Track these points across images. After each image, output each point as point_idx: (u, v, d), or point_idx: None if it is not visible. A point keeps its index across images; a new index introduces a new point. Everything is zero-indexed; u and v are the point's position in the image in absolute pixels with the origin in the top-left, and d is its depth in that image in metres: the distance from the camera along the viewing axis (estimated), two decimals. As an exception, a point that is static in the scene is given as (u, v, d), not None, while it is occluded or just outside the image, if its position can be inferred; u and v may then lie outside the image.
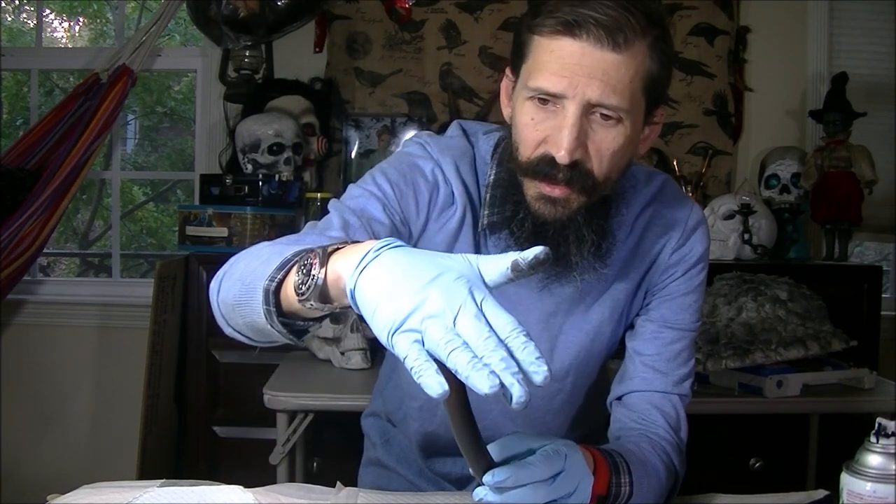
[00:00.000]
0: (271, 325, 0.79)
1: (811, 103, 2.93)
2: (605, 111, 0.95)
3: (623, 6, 0.93)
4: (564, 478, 0.88)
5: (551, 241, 1.01)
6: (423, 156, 1.11)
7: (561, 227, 1.01)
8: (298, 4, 2.74)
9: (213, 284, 0.92)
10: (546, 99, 0.96)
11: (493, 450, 0.86)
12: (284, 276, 0.78)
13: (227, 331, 0.93)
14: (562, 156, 0.95)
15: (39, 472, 2.96)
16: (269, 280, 0.78)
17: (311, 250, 0.76)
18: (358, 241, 0.76)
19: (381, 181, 1.07)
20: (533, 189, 1.00)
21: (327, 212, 1.07)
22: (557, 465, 0.87)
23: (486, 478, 0.83)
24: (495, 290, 0.70)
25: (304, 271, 0.75)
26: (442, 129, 2.84)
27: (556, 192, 0.98)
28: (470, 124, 1.18)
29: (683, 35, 2.91)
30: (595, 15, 0.92)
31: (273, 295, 0.78)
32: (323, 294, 0.74)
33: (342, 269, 0.73)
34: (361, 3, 2.90)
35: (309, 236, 0.98)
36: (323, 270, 0.74)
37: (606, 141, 0.97)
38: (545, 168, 0.97)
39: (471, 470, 0.84)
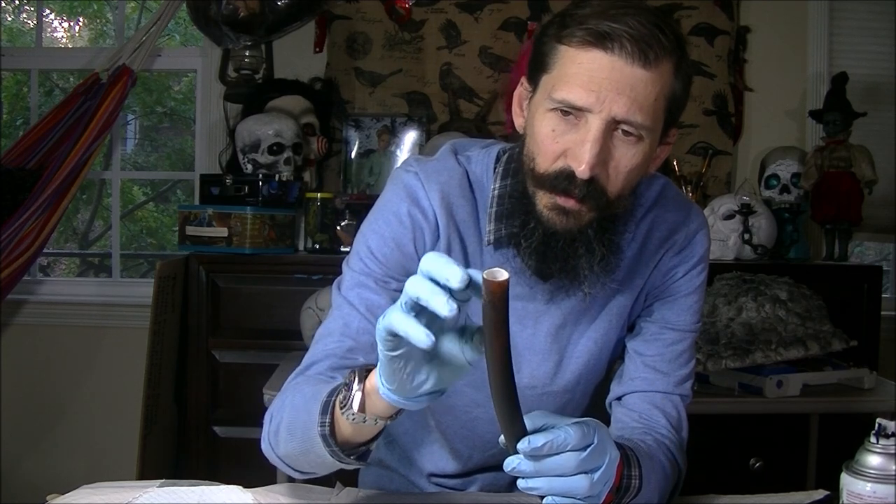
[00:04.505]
0: (341, 461, 0.92)
1: (811, 103, 2.93)
2: (627, 128, 0.95)
3: (653, 23, 0.93)
4: (594, 450, 0.88)
5: (561, 253, 1.01)
6: (399, 197, 1.10)
7: (571, 239, 1.00)
8: (298, 4, 2.73)
9: (265, 445, 1.04)
10: (568, 111, 0.95)
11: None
12: (332, 419, 0.90)
13: (295, 475, 1.04)
14: (582, 170, 0.94)
15: (39, 472, 2.96)
16: (321, 426, 0.90)
17: (352, 371, 0.89)
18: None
19: (367, 257, 1.10)
20: (547, 199, 0.99)
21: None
22: (590, 437, 0.88)
23: (522, 444, 0.84)
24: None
25: (347, 388, 0.88)
26: (442, 129, 2.85)
27: (570, 203, 0.97)
28: (462, 143, 1.17)
29: (683, 35, 2.90)
30: (627, 29, 0.92)
31: (331, 437, 0.90)
32: (361, 403, 0.86)
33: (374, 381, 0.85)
34: (361, 3, 2.90)
35: (317, 349, 1.09)
36: (362, 385, 0.87)
37: (625, 158, 0.96)
38: (563, 183, 0.96)
39: (503, 440, 0.86)
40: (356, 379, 0.87)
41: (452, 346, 0.78)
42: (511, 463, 0.86)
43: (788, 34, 3.00)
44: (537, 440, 0.84)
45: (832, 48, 3.01)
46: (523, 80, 1.05)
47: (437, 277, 0.72)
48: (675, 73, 0.97)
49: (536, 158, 1.00)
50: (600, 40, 0.92)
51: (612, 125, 0.94)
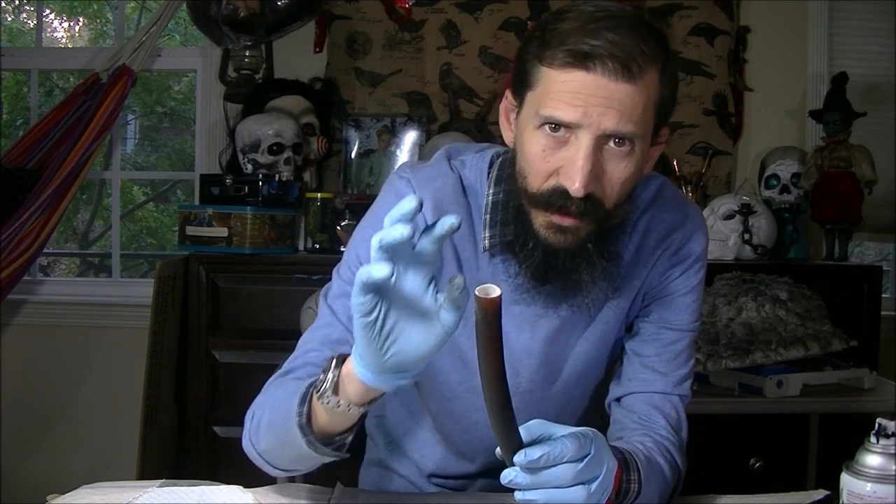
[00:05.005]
0: (317, 451, 0.91)
1: (811, 103, 2.93)
2: (618, 140, 0.94)
3: (635, 33, 0.92)
4: (592, 461, 0.88)
5: (562, 269, 1.00)
6: (390, 205, 1.07)
7: (572, 255, 1.00)
8: (298, 4, 2.74)
9: (245, 442, 1.05)
10: (557, 127, 0.94)
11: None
12: (309, 409, 0.90)
13: (275, 473, 1.04)
14: (576, 189, 0.93)
15: (39, 472, 2.96)
16: (298, 416, 0.90)
17: (329, 358, 0.89)
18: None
19: (355, 266, 1.11)
20: (542, 218, 0.98)
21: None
22: (586, 447, 0.88)
23: (518, 457, 0.84)
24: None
25: (324, 374, 0.88)
26: (442, 129, 2.85)
27: (567, 221, 0.97)
28: (456, 148, 1.16)
29: (683, 35, 2.90)
30: (607, 46, 0.90)
31: (307, 426, 0.90)
32: (335, 386, 0.87)
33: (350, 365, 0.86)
34: (361, 3, 2.90)
35: (297, 354, 1.11)
36: (338, 370, 0.87)
37: (619, 171, 0.96)
38: (558, 200, 0.96)
39: (499, 452, 0.86)
40: (333, 364, 0.88)
41: (426, 299, 0.77)
42: (508, 476, 0.86)
43: (788, 34, 3.00)
44: (533, 453, 0.84)
45: (832, 48, 3.01)
46: (508, 93, 1.04)
47: (394, 216, 0.73)
48: (662, 79, 0.95)
49: (528, 178, 0.99)
50: (581, 60, 0.91)
51: (602, 139, 0.94)
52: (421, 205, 0.73)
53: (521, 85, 0.99)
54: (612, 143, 0.94)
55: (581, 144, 0.93)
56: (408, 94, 2.92)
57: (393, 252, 0.74)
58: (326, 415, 0.88)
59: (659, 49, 0.94)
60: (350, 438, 0.92)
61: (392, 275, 0.73)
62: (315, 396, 0.88)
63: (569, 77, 0.92)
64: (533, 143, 0.97)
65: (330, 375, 0.87)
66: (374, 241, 0.74)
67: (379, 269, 0.73)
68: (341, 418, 0.89)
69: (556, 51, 0.93)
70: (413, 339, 0.79)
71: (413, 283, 0.76)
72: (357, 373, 0.82)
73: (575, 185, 0.93)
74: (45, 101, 3.44)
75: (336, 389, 0.87)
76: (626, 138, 0.94)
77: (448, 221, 0.73)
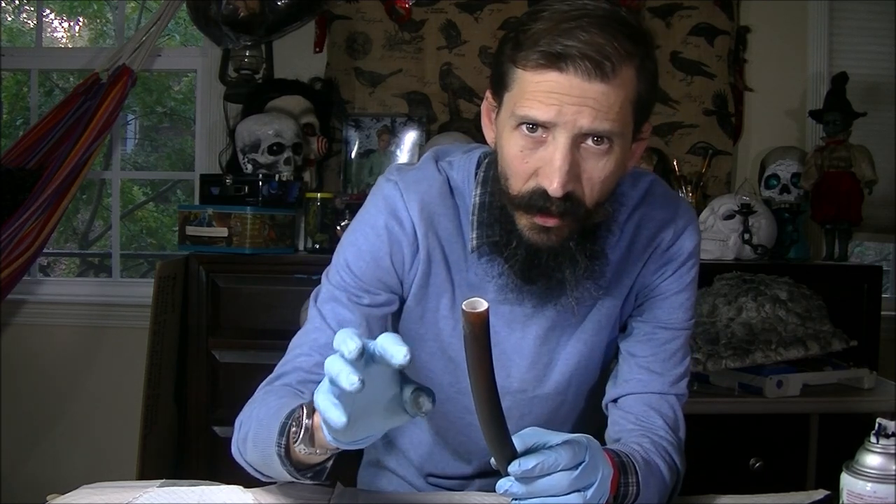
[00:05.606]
0: (297, 479, 0.94)
1: (811, 103, 2.93)
2: (596, 137, 0.94)
3: (608, 31, 0.91)
4: (586, 468, 0.88)
5: (545, 268, 1.01)
6: (377, 208, 1.10)
7: (555, 254, 1.00)
8: (298, 4, 2.74)
9: (234, 449, 1.06)
10: (534, 127, 0.95)
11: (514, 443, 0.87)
12: (288, 440, 0.91)
13: (263, 479, 1.04)
14: (555, 188, 0.93)
15: (39, 472, 2.96)
16: (278, 446, 0.92)
17: (301, 406, 0.91)
18: None
19: (343, 270, 1.11)
20: (525, 219, 0.99)
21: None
22: (581, 455, 0.88)
23: (513, 467, 0.84)
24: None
25: (297, 423, 0.90)
26: (442, 129, 2.85)
27: (550, 222, 0.97)
28: (444, 149, 1.17)
29: (683, 35, 2.90)
30: (579, 46, 0.90)
31: (286, 458, 0.92)
32: (310, 438, 0.89)
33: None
34: (361, 3, 2.90)
35: (287, 359, 1.12)
36: (311, 420, 0.88)
37: (597, 170, 0.96)
38: (539, 202, 0.96)
39: (494, 462, 0.86)
40: (304, 414, 0.89)
41: (392, 400, 0.78)
42: (503, 486, 0.86)
43: (788, 34, 3.00)
44: (527, 462, 0.84)
45: (832, 48, 3.01)
46: (488, 94, 1.04)
47: (340, 352, 0.72)
48: (638, 76, 0.95)
49: (509, 180, 0.99)
50: (554, 62, 0.91)
51: (580, 138, 0.94)
52: (362, 351, 0.72)
53: (499, 86, 1.00)
54: (589, 142, 0.94)
55: (558, 144, 0.93)
56: (408, 94, 2.92)
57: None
58: (302, 455, 0.90)
59: (634, 46, 0.93)
60: (330, 464, 0.94)
61: (362, 387, 0.71)
62: (291, 439, 0.90)
63: (542, 78, 0.93)
64: (511, 144, 0.97)
65: (304, 426, 0.88)
66: (326, 368, 0.73)
67: (334, 418, 0.74)
68: (318, 457, 0.91)
69: (529, 52, 0.93)
70: (377, 424, 0.81)
71: (379, 387, 0.77)
72: (325, 436, 0.82)
73: (553, 184, 0.93)
74: (45, 101, 3.44)
75: (311, 439, 0.88)
76: (603, 136, 0.94)
77: (399, 358, 0.71)
